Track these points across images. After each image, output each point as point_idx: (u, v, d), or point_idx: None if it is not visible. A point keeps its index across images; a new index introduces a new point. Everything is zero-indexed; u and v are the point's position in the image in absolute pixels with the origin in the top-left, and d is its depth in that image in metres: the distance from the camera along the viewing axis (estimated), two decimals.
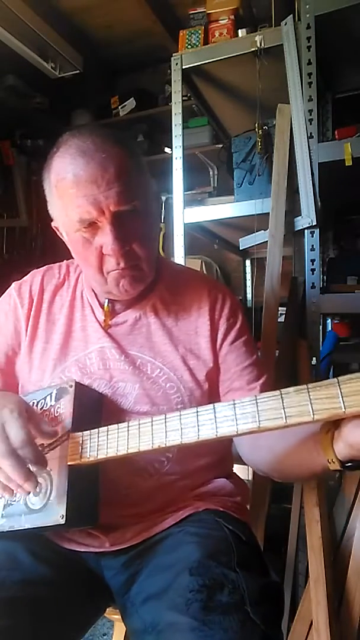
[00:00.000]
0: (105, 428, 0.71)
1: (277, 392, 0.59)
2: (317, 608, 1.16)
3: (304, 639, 1.21)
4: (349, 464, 0.61)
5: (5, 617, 0.66)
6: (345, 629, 1.17)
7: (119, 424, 0.70)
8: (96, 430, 0.72)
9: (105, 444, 0.70)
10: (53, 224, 0.87)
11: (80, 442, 0.72)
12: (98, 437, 0.71)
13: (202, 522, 0.80)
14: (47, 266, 0.98)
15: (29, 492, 0.71)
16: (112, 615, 0.89)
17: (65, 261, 0.98)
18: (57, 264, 0.99)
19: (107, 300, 0.89)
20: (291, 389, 0.58)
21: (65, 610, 0.74)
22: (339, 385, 0.55)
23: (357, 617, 1.17)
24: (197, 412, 0.64)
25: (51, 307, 0.92)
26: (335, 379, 0.56)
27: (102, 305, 0.90)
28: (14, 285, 0.96)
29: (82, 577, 0.81)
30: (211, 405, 0.63)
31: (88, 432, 0.73)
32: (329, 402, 0.55)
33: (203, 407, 0.64)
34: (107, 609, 0.88)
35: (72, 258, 0.89)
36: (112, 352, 0.87)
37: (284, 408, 0.58)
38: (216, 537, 0.76)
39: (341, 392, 0.55)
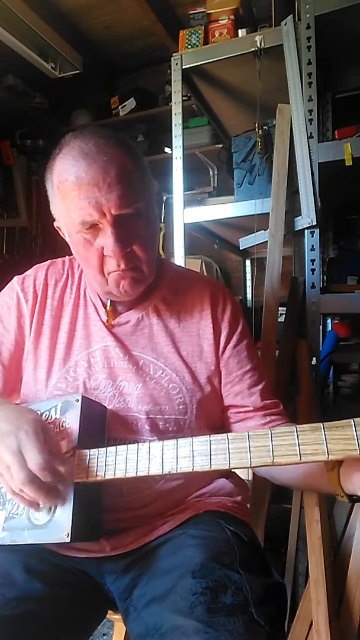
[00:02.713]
0: (113, 448, 0.70)
1: (292, 429, 0.60)
2: (317, 608, 1.16)
3: (304, 639, 1.21)
4: (355, 497, 0.66)
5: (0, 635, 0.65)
6: (345, 629, 1.17)
7: (128, 446, 0.70)
8: (104, 450, 0.71)
9: (114, 465, 0.69)
10: (55, 224, 0.87)
11: (87, 460, 0.72)
12: (106, 457, 0.71)
13: (203, 524, 0.80)
14: (50, 261, 0.98)
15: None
16: (112, 615, 0.89)
17: (67, 257, 0.97)
18: (60, 259, 0.98)
19: (109, 300, 0.89)
20: (307, 426, 0.59)
21: (63, 624, 0.73)
22: (355, 427, 0.57)
23: (357, 617, 1.17)
24: (210, 440, 0.64)
25: (55, 303, 0.92)
26: (351, 420, 0.57)
27: (104, 305, 0.90)
28: (16, 279, 0.95)
29: (80, 588, 0.80)
30: (224, 435, 0.63)
31: (96, 450, 0.72)
32: (344, 442, 0.57)
33: (216, 435, 0.64)
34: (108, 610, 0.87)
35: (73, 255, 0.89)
36: (115, 351, 0.87)
37: (299, 445, 0.59)
38: (218, 539, 0.76)
39: (357, 434, 0.56)
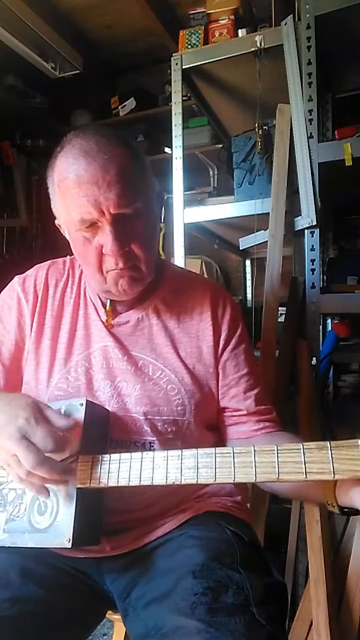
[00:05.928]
0: (117, 456, 0.70)
1: (299, 446, 0.59)
2: (317, 608, 1.16)
3: (304, 639, 1.21)
4: (346, 509, 0.65)
5: None
6: (345, 629, 1.17)
7: (132, 454, 0.69)
8: (108, 456, 0.71)
9: (117, 472, 0.69)
10: (56, 222, 0.87)
11: (91, 465, 0.71)
12: (109, 463, 0.70)
13: (203, 524, 0.80)
14: (50, 261, 0.98)
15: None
16: (112, 615, 0.89)
17: (68, 256, 0.97)
18: (61, 259, 0.98)
19: (109, 300, 0.89)
20: (313, 444, 0.59)
21: (61, 624, 0.73)
22: None
23: (357, 617, 1.17)
24: (215, 453, 0.64)
25: (56, 303, 0.92)
26: (358, 440, 0.57)
27: (104, 305, 0.90)
28: (17, 279, 0.95)
29: (78, 589, 0.80)
30: (230, 449, 0.63)
31: (99, 456, 0.71)
32: (350, 463, 0.56)
33: (221, 448, 0.64)
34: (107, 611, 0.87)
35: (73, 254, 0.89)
36: (115, 352, 0.87)
37: (305, 463, 0.58)
38: (218, 539, 0.76)
39: None
